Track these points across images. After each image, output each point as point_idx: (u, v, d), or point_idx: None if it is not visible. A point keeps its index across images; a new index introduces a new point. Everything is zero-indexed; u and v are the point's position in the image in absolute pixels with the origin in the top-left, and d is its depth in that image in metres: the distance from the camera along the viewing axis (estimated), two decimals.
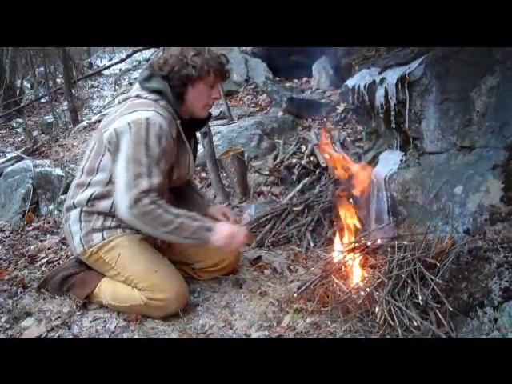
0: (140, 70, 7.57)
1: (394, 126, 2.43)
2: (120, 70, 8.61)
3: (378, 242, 2.01)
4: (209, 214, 2.09)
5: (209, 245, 1.77)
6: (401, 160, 2.36)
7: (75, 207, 1.88)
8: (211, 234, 1.75)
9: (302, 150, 3.12)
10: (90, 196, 1.84)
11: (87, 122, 5.85)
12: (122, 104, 1.84)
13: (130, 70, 8.47)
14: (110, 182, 1.81)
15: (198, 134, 2.14)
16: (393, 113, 2.39)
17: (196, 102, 1.86)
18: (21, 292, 2.04)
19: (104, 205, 1.83)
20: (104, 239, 1.84)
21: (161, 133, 1.72)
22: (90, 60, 10.36)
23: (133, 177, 1.67)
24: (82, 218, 1.87)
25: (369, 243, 2.00)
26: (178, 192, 2.10)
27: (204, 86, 1.83)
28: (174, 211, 1.73)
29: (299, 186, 2.79)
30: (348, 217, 2.29)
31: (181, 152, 1.89)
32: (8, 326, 1.81)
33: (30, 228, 3.12)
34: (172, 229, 1.70)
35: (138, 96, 1.82)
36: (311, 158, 2.95)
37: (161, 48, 7.46)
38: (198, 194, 2.21)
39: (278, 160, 3.17)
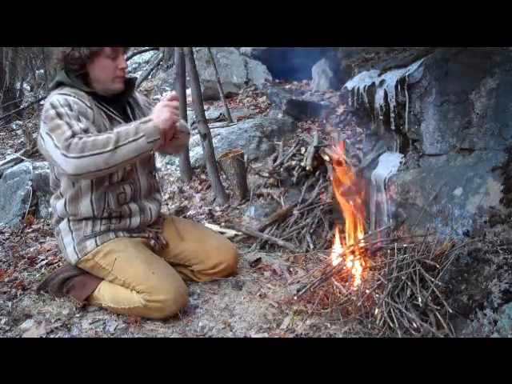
0: (140, 72, 7.58)
1: (393, 128, 2.43)
2: None
3: (378, 244, 2.01)
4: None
5: (159, 128, 1.70)
6: (400, 162, 2.36)
7: (62, 219, 1.90)
8: (152, 120, 1.71)
9: (302, 152, 3.12)
10: (65, 202, 1.85)
11: None
12: None
13: (129, 72, 8.47)
14: (73, 183, 1.82)
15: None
16: (392, 115, 2.40)
17: (102, 76, 1.83)
18: (20, 294, 2.04)
19: (84, 208, 1.83)
20: (98, 245, 1.85)
21: (68, 102, 1.72)
22: None
23: (56, 137, 1.65)
24: (71, 228, 1.88)
25: (369, 245, 2.00)
26: None
27: (104, 60, 1.80)
28: (105, 133, 1.69)
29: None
30: (349, 219, 2.29)
31: (114, 127, 1.81)
32: (7, 328, 1.81)
33: (30, 230, 3.13)
34: (114, 142, 1.63)
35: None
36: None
37: (161, 49, 7.49)
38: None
39: (277, 162, 3.18)
